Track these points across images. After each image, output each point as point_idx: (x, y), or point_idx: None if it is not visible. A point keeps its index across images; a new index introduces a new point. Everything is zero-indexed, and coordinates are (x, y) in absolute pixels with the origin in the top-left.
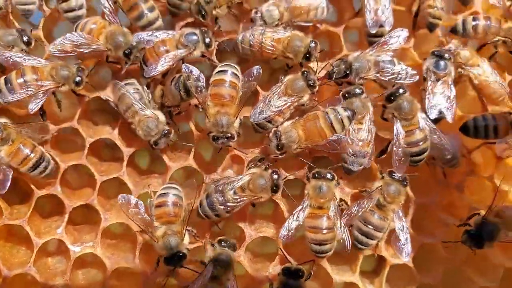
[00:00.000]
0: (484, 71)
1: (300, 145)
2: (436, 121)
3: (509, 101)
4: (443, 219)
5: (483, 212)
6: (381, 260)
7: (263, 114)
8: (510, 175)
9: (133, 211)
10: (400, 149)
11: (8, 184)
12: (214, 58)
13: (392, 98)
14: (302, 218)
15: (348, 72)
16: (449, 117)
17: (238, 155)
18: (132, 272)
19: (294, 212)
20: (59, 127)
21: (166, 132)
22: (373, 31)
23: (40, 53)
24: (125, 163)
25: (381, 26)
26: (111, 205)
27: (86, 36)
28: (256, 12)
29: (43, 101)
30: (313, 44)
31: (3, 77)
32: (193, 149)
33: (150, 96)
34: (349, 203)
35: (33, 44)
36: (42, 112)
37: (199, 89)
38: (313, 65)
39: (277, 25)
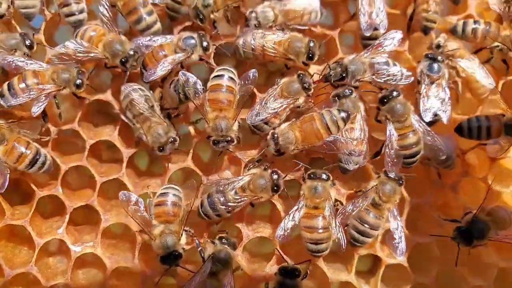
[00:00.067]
0: (471, 65)
1: (297, 146)
2: (431, 123)
3: (502, 102)
4: (437, 220)
5: None
6: (377, 260)
7: (259, 116)
8: (504, 176)
9: (133, 208)
10: (392, 151)
11: (6, 184)
12: (212, 61)
13: (385, 100)
14: (298, 218)
15: (344, 75)
16: (444, 119)
17: (235, 156)
18: (131, 272)
19: (290, 212)
20: (60, 129)
21: (173, 139)
22: (368, 34)
23: (42, 56)
24: (124, 164)
25: (376, 29)
26: (111, 206)
27: (85, 45)
28: (251, 12)
29: (45, 104)
30: (312, 44)
31: (6, 83)
32: (191, 151)
33: (157, 103)
34: (344, 203)
35: (35, 48)
36: (44, 114)
37: (196, 95)
38: (312, 67)
39: (271, 27)
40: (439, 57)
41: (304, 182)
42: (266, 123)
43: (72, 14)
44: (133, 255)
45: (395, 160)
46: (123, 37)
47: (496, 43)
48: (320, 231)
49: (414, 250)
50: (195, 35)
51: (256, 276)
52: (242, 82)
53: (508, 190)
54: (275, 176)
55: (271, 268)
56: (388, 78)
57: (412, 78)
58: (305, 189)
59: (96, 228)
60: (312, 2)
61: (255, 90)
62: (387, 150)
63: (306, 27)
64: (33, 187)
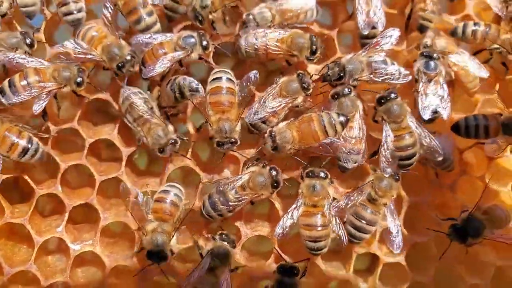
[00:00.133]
0: (462, 58)
1: (294, 146)
2: (430, 120)
3: (499, 101)
4: (435, 219)
5: None
6: (375, 258)
7: (258, 114)
8: (501, 175)
9: (132, 200)
10: (388, 151)
11: None
12: (211, 60)
13: (383, 101)
14: (297, 216)
15: (342, 74)
16: (445, 115)
17: (234, 155)
18: (130, 270)
19: (288, 211)
20: (59, 128)
21: (173, 141)
22: (366, 33)
23: (42, 54)
24: (123, 163)
25: (373, 27)
26: (110, 204)
27: (84, 46)
28: (248, 15)
29: (46, 102)
30: (314, 38)
31: (7, 80)
32: (190, 149)
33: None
34: None
35: (35, 46)
36: (44, 113)
37: (192, 93)
38: (311, 67)
39: (269, 27)
40: (435, 54)
41: (303, 180)
42: (264, 122)
43: (70, 13)
44: (132, 253)
45: (390, 161)
46: (122, 42)
47: (495, 45)
48: (319, 228)
49: (412, 249)
50: (195, 34)
51: (255, 275)
52: (244, 84)
53: (505, 189)
54: (273, 173)
55: (270, 266)
56: (386, 77)
57: (410, 77)
58: (304, 187)
59: (95, 227)
60: (308, 1)
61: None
62: (382, 150)
63: (304, 25)
64: (33, 185)
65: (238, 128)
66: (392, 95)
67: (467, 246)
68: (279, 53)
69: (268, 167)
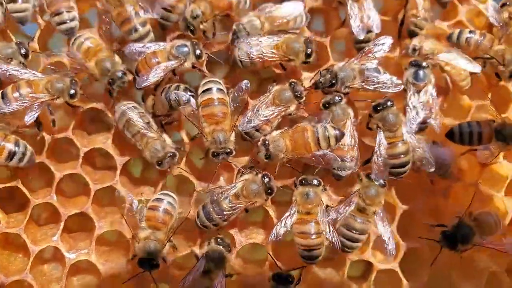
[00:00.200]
0: (453, 56)
1: (287, 155)
2: (420, 129)
3: (492, 108)
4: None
5: None
6: (369, 265)
7: (251, 123)
8: (495, 181)
9: (127, 207)
10: (380, 159)
11: None
12: (204, 68)
13: (379, 108)
14: (290, 224)
15: (334, 81)
16: (436, 126)
17: (228, 163)
18: (125, 278)
19: (282, 219)
20: (54, 137)
21: (171, 154)
22: (361, 37)
23: (36, 64)
24: (118, 171)
25: (369, 31)
26: (105, 213)
27: (78, 60)
28: (238, 25)
29: (38, 112)
30: (309, 42)
31: (0, 92)
32: (184, 158)
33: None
34: None
35: (30, 56)
36: (38, 123)
37: (186, 103)
38: (304, 74)
39: (260, 35)
40: (424, 63)
41: (296, 188)
42: (257, 130)
43: (64, 22)
44: (127, 261)
45: (381, 169)
46: (116, 58)
47: (486, 55)
48: (313, 236)
49: (405, 255)
50: (188, 43)
51: (249, 282)
52: (236, 94)
53: (499, 195)
54: (266, 180)
55: (264, 274)
56: (377, 85)
57: (402, 87)
58: (297, 195)
59: (90, 235)
60: (297, 7)
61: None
62: (375, 157)
63: (297, 31)
64: (28, 195)
65: (232, 138)
66: (389, 103)
67: (457, 252)
68: (276, 60)
69: (260, 175)
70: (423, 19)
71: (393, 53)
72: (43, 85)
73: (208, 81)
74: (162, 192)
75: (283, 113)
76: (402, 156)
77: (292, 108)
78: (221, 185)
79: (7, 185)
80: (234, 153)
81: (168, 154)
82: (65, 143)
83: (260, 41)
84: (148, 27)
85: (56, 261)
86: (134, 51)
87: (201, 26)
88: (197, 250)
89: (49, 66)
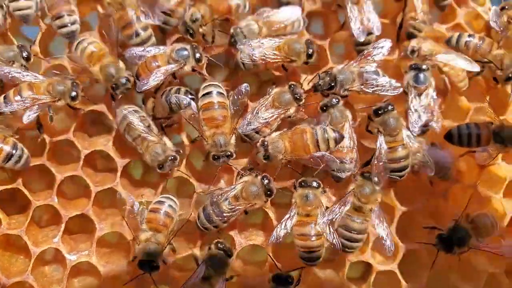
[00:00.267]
0: (451, 57)
1: (285, 156)
2: (421, 133)
3: (490, 110)
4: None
5: None
6: (368, 266)
7: (251, 125)
8: (493, 183)
9: (128, 209)
10: (380, 163)
11: None
12: (204, 71)
13: (380, 112)
14: (290, 226)
15: (333, 84)
16: (437, 129)
17: (227, 165)
18: (126, 280)
19: (282, 221)
20: (55, 140)
21: (172, 157)
22: (362, 40)
23: (38, 67)
24: (119, 173)
25: (369, 33)
26: (106, 215)
27: (81, 64)
28: (236, 28)
29: (37, 113)
30: (309, 43)
31: (2, 96)
32: (184, 159)
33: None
34: None
35: (32, 59)
36: (39, 125)
37: (187, 106)
38: (303, 77)
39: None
40: (423, 66)
41: (296, 190)
42: (257, 132)
43: (65, 26)
44: (127, 263)
45: (382, 173)
46: (121, 64)
47: (484, 59)
48: (313, 238)
49: (404, 257)
50: (188, 47)
51: (249, 284)
52: (236, 97)
53: (497, 197)
54: (265, 181)
55: (264, 275)
56: (376, 88)
57: (401, 90)
58: (297, 197)
59: (91, 237)
60: (294, 12)
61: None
62: (375, 161)
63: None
64: (29, 197)
65: (232, 140)
66: (390, 107)
67: (453, 255)
68: (278, 61)
69: (259, 176)
70: (422, 21)
71: (392, 56)
72: (44, 87)
73: (208, 84)
74: (163, 195)
75: (282, 116)
76: (402, 160)
77: (292, 110)
78: (221, 187)
79: (8, 187)
80: (234, 156)
81: (169, 158)
82: (66, 145)
83: (262, 43)
84: (150, 31)
85: (57, 263)
86: (135, 55)
87: (200, 30)
88: (197, 252)
89: (54, 71)
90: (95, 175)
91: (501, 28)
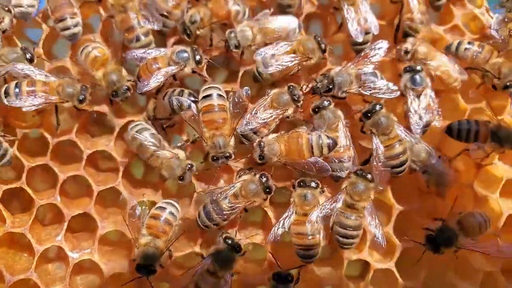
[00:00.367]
0: (442, 62)
1: (280, 159)
2: (423, 132)
3: (488, 110)
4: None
5: None
6: (366, 264)
7: (249, 125)
8: (490, 182)
9: (129, 213)
10: (380, 163)
11: None
12: (204, 73)
13: (369, 114)
14: (288, 225)
15: (331, 86)
16: (437, 124)
17: (227, 165)
18: (127, 278)
19: (280, 220)
20: (58, 140)
21: (190, 166)
22: (360, 40)
23: (41, 69)
24: (120, 173)
25: (367, 33)
26: (108, 214)
27: (85, 68)
28: (230, 33)
29: (38, 107)
30: (318, 38)
31: (14, 82)
32: None
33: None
34: None
35: (35, 61)
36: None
37: (185, 113)
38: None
39: (249, 46)
40: (418, 67)
41: (294, 190)
42: (255, 133)
43: (68, 28)
44: (129, 261)
45: (382, 173)
46: (124, 72)
47: (482, 67)
48: (310, 237)
49: (402, 255)
50: (188, 49)
51: (249, 282)
52: (236, 100)
53: (494, 196)
54: (264, 179)
55: (264, 273)
56: (374, 91)
57: (398, 93)
58: (295, 196)
59: (93, 235)
60: (291, 23)
61: None
62: (374, 163)
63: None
64: (33, 196)
65: (232, 142)
66: (377, 107)
67: (441, 254)
68: (295, 63)
69: (258, 175)
70: (420, 22)
71: (389, 57)
72: (54, 88)
73: (209, 87)
74: (165, 200)
75: (280, 116)
76: (400, 156)
77: (290, 111)
78: (221, 186)
79: (12, 186)
80: (233, 157)
81: (187, 168)
82: (69, 146)
83: (277, 49)
84: (150, 37)
85: (60, 261)
86: (136, 57)
87: (198, 32)
88: (198, 250)
89: (62, 76)
90: (97, 174)
91: (502, 37)
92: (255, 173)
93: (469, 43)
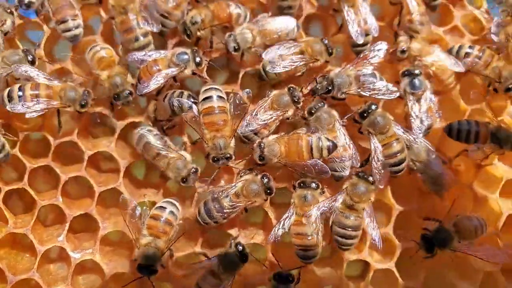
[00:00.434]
0: (438, 57)
1: (280, 160)
2: (424, 135)
3: (488, 111)
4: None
5: None
6: (366, 265)
7: (249, 126)
8: (490, 182)
9: (129, 213)
10: (379, 163)
11: None
12: (205, 74)
13: (365, 115)
14: (288, 225)
15: (330, 88)
16: (438, 125)
17: (228, 165)
18: (129, 278)
19: (280, 220)
20: (59, 141)
21: (194, 170)
22: (361, 41)
23: (42, 70)
24: (121, 174)
25: (366, 34)
26: (109, 214)
27: (91, 67)
28: (229, 36)
29: (41, 113)
30: (326, 41)
31: (17, 85)
32: None
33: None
34: None
35: (36, 63)
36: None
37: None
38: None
39: (249, 48)
40: (416, 71)
41: (295, 190)
42: (255, 134)
43: (69, 30)
44: (130, 261)
45: (382, 172)
46: (129, 77)
47: (482, 72)
48: (309, 238)
49: (402, 255)
50: (188, 51)
51: (250, 282)
52: (237, 102)
53: (494, 196)
54: (265, 180)
55: (264, 273)
56: (373, 92)
57: (397, 94)
58: (295, 197)
59: (94, 236)
60: (289, 23)
61: None
62: (373, 163)
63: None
64: (35, 196)
65: (232, 143)
66: (373, 107)
67: (434, 255)
68: (303, 63)
69: (259, 175)
70: (420, 23)
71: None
72: (56, 92)
73: (209, 88)
74: (165, 200)
75: (280, 117)
76: (398, 154)
77: (290, 112)
78: (222, 185)
79: (14, 187)
80: (233, 158)
81: (192, 171)
82: (70, 147)
83: (285, 50)
84: (149, 38)
85: (61, 261)
86: (136, 59)
87: (198, 33)
88: (198, 250)
89: (68, 82)
90: (98, 175)
91: (501, 42)
92: (257, 174)
93: (470, 47)
